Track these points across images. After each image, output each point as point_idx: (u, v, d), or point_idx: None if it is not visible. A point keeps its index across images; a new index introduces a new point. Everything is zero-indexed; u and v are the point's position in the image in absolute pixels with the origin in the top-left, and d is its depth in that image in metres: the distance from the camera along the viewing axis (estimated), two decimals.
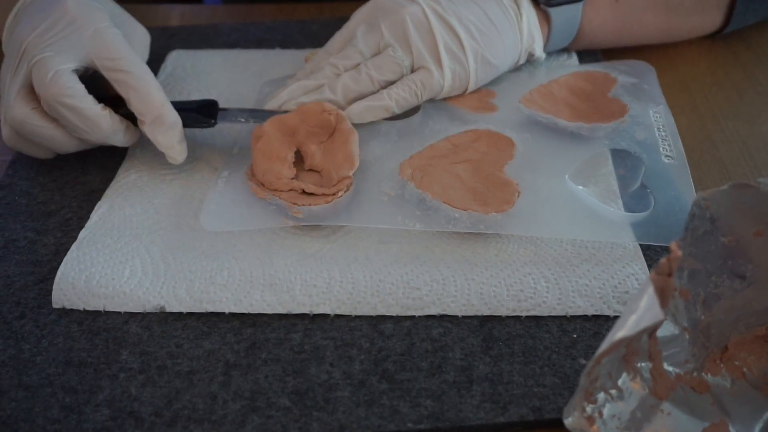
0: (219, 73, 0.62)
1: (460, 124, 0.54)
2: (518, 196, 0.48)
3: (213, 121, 0.52)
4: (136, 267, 0.45)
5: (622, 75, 0.58)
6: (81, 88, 0.47)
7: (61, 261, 0.46)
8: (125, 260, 0.46)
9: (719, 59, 0.65)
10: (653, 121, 0.54)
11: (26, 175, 0.53)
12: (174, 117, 0.49)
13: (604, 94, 0.56)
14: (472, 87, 0.55)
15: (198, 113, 0.52)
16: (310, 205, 0.47)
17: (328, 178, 0.49)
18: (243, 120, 0.53)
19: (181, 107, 0.50)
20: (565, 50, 0.63)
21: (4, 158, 0.55)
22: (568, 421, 0.36)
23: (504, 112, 0.55)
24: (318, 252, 0.46)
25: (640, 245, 0.47)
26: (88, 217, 0.50)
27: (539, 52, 0.58)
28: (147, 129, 0.49)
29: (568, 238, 0.47)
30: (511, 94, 0.57)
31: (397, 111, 0.53)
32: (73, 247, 0.47)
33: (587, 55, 0.63)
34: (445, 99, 0.56)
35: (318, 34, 0.67)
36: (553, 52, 0.61)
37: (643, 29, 0.62)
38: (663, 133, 0.53)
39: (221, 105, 0.53)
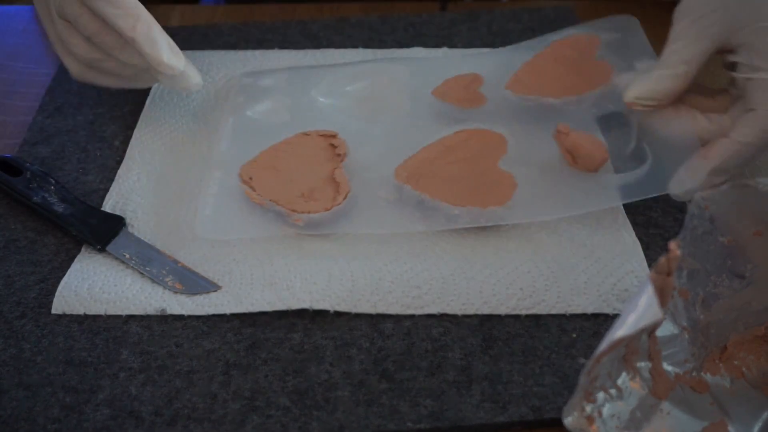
0: (219, 74, 0.62)
1: (450, 123, 0.54)
2: (515, 188, 0.48)
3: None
4: (137, 273, 0.46)
5: (605, 32, 0.57)
6: None
7: (61, 261, 0.47)
8: (127, 267, 0.46)
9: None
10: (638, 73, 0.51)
11: None
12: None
13: (590, 58, 0.56)
14: None
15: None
16: (309, 212, 0.47)
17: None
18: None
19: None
20: None
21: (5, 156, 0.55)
22: (567, 421, 0.36)
23: (492, 104, 0.55)
24: (318, 251, 0.46)
25: (641, 244, 0.47)
26: None
27: None
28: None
29: (566, 215, 0.47)
30: (498, 78, 0.56)
31: None
32: (77, 259, 0.47)
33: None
34: (432, 92, 0.56)
35: (318, 34, 0.67)
36: None
37: None
38: None
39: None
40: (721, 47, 0.46)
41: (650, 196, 0.46)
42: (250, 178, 0.49)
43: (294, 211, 0.47)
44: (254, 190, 0.48)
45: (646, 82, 0.46)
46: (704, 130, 0.46)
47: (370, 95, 0.58)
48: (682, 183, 0.45)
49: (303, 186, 0.49)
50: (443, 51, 0.64)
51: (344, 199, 0.48)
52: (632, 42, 0.56)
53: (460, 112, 0.55)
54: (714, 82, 0.48)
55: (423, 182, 0.48)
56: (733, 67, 0.46)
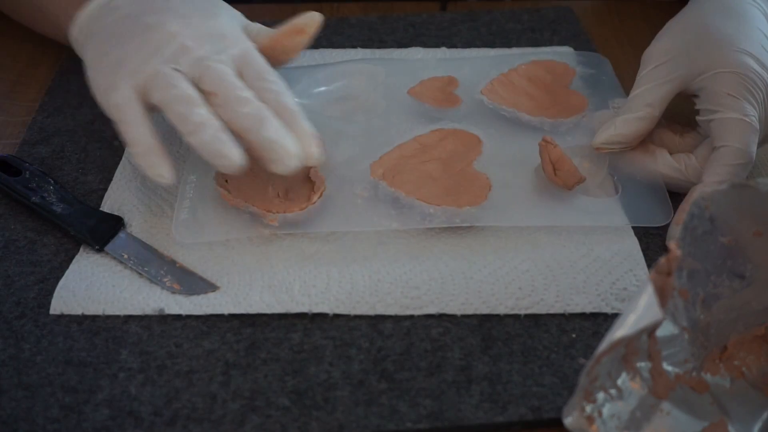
0: None
1: (426, 122, 0.54)
2: (490, 189, 0.48)
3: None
4: (135, 274, 0.46)
5: (579, 66, 0.59)
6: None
7: (61, 261, 0.47)
8: (125, 267, 0.46)
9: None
10: (612, 112, 0.54)
11: None
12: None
13: (564, 86, 0.57)
14: None
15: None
16: (284, 212, 0.47)
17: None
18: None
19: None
20: None
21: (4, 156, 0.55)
22: (567, 421, 0.36)
23: (467, 106, 0.56)
24: (316, 253, 0.46)
25: (639, 242, 0.47)
26: None
27: None
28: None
29: (542, 225, 0.48)
30: (473, 83, 0.57)
31: None
32: (75, 260, 0.47)
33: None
34: (408, 92, 0.56)
35: (318, 34, 0.67)
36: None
37: None
38: None
39: None
40: (684, 90, 0.48)
41: (620, 225, 0.48)
42: (226, 181, 0.49)
43: (269, 211, 0.47)
44: (230, 193, 0.48)
45: (612, 127, 0.49)
46: (670, 169, 0.49)
47: (346, 95, 0.58)
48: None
49: (279, 186, 0.49)
50: (443, 51, 0.64)
51: (319, 197, 0.48)
52: (605, 79, 0.58)
53: (435, 111, 0.56)
54: (689, 111, 0.50)
55: (398, 180, 0.49)
56: (697, 112, 0.48)
